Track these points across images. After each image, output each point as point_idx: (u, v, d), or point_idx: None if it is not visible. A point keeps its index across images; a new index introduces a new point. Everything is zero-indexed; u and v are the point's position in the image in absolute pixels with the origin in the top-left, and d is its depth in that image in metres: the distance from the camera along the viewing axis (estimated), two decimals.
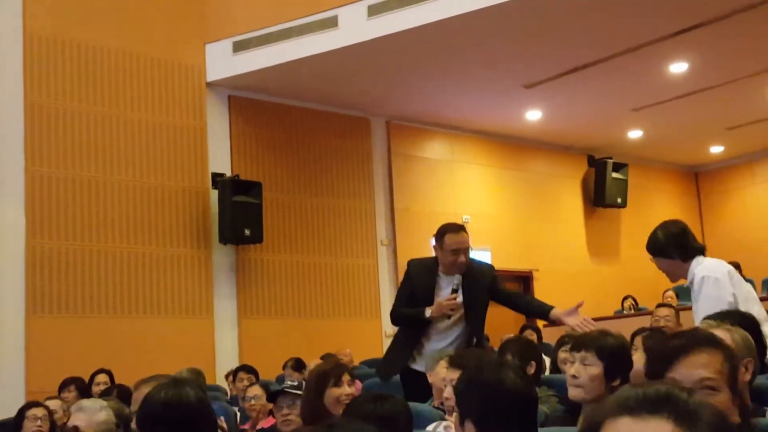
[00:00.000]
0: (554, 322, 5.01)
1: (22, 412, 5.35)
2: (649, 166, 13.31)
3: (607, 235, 12.71)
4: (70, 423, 3.42)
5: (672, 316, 6.22)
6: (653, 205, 13.30)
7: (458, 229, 4.90)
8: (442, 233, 4.87)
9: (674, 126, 11.62)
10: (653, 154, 13.04)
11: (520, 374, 2.49)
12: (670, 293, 9.75)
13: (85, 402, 3.59)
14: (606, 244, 12.68)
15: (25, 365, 7.68)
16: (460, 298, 4.85)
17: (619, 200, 12.48)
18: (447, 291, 4.89)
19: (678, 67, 9.43)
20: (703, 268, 4.13)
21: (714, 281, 4.06)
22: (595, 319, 9.70)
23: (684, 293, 10.09)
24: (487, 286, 4.98)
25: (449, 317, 4.82)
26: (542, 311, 5.01)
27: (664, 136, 12.07)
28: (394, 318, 5.14)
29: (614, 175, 12.40)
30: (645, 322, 6.45)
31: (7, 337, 7.62)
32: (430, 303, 4.87)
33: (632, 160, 12.65)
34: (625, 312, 10.39)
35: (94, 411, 3.43)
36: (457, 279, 4.85)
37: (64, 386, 6.72)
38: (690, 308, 4.34)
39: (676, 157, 13.49)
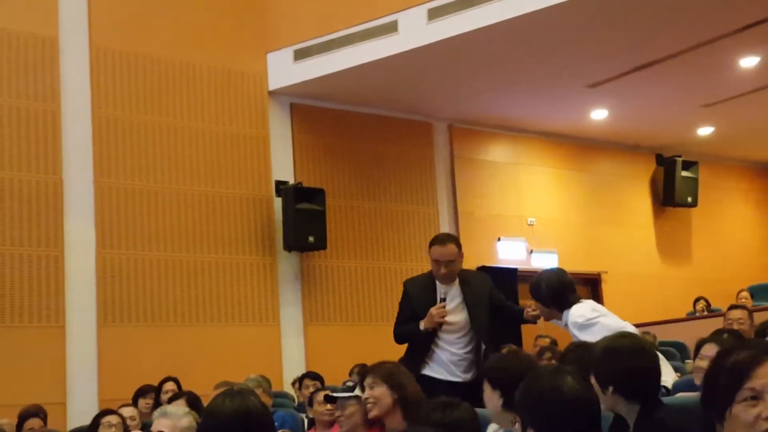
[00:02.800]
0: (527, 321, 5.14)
1: (97, 420, 5.44)
2: (721, 164, 12.97)
3: (677, 236, 12.42)
4: (154, 429, 3.43)
5: (745, 318, 6.03)
6: (726, 204, 12.97)
7: (444, 240, 5.09)
8: (430, 244, 5.09)
9: (746, 121, 11.30)
10: (725, 151, 12.70)
11: (579, 379, 2.45)
12: (745, 293, 9.48)
13: (169, 408, 3.61)
14: (676, 244, 12.40)
15: (97, 374, 7.81)
16: (451, 306, 4.97)
17: (689, 199, 12.18)
18: (451, 302, 5.02)
19: (749, 62, 9.17)
20: (571, 316, 4.52)
21: (581, 327, 4.46)
22: (667, 322, 9.55)
23: (759, 293, 9.81)
24: (487, 294, 5.12)
25: (441, 326, 4.92)
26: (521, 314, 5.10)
27: (736, 132, 11.75)
28: (397, 338, 5.23)
29: (684, 173, 12.11)
30: (718, 324, 6.27)
31: (80, 347, 7.76)
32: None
33: (703, 158, 12.34)
34: (697, 314, 10.14)
35: (179, 417, 3.43)
36: (445, 289, 4.99)
37: (141, 394, 6.79)
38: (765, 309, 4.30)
39: (749, 154, 13.12)
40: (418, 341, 5.04)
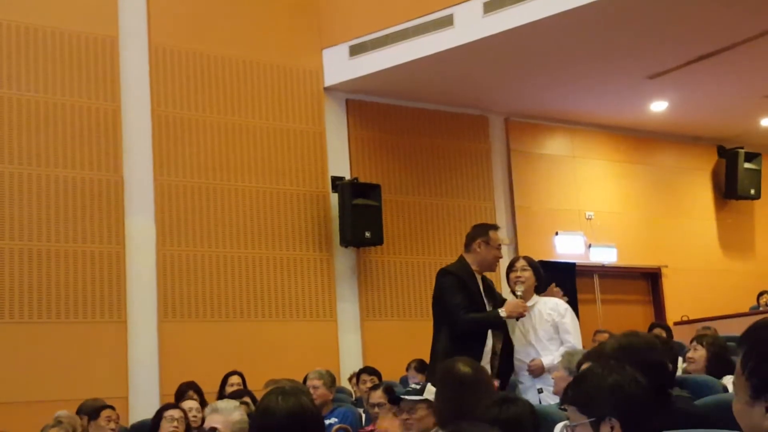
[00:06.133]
0: None
1: (159, 414, 5.50)
2: None
3: (740, 229, 12.17)
4: (207, 425, 3.47)
5: None
6: None
7: (497, 226, 5.37)
8: (485, 229, 5.22)
9: None
10: None
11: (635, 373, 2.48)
12: None
13: (220, 403, 3.65)
14: (739, 237, 12.15)
15: (158, 368, 7.93)
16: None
17: (752, 192, 11.92)
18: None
19: None
20: (558, 302, 5.18)
21: (571, 313, 5.16)
22: (729, 317, 9.36)
23: None
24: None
25: (518, 318, 5.03)
26: None
27: None
28: (467, 323, 5.01)
29: (747, 165, 11.86)
30: None
31: (141, 342, 7.88)
32: (482, 307, 5.07)
33: (766, 149, 12.06)
34: (761, 308, 9.92)
35: (229, 411, 3.47)
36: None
37: (182, 393, 6.74)
38: None
39: None
40: (481, 333, 5.03)
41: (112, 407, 6.29)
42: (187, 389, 6.76)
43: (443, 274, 5.21)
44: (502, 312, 4.95)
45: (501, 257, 5.28)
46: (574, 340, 5.03)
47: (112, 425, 6.14)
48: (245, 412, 3.59)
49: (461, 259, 5.25)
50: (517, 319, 5.04)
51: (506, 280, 5.33)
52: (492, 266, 5.28)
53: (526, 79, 9.28)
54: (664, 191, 11.58)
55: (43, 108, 7.80)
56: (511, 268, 5.25)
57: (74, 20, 8.03)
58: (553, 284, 5.37)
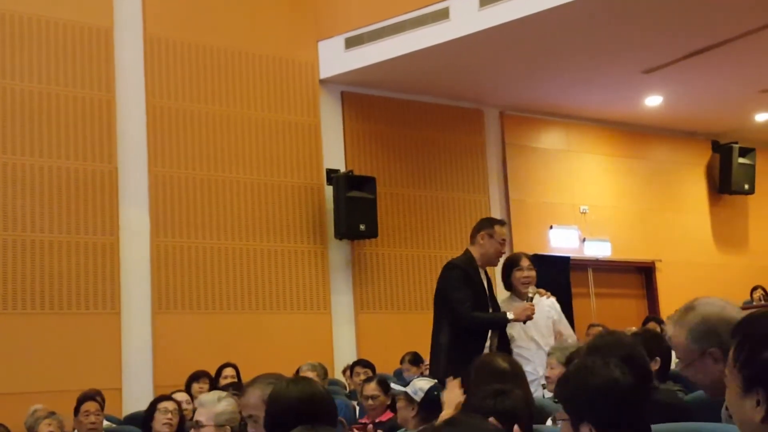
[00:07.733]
0: None
1: (153, 405, 5.47)
2: None
3: (733, 224, 12.20)
4: (195, 418, 3.49)
5: None
6: None
7: (503, 222, 5.38)
8: (490, 223, 5.22)
9: None
10: None
11: (625, 370, 2.40)
12: None
13: (203, 397, 3.67)
14: (733, 232, 12.18)
15: (152, 360, 7.91)
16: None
17: (746, 187, 11.96)
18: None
19: None
20: (554, 300, 5.34)
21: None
22: None
23: None
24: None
25: (525, 322, 5.02)
26: None
27: None
28: (471, 322, 4.98)
29: (741, 160, 11.90)
30: None
31: (135, 333, 7.87)
32: (486, 302, 5.08)
33: (760, 144, 12.10)
34: (754, 303, 9.95)
35: (213, 403, 3.48)
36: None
37: (195, 379, 6.80)
38: None
39: None
40: (484, 331, 5.01)
41: (94, 399, 6.13)
42: (200, 376, 6.74)
43: (450, 267, 5.15)
44: (510, 314, 4.95)
45: (504, 252, 5.25)
46: (573, 337, 5.16)
47: (92, 419, 5.89)
48: (234, 403, 3.59)
49: (467, 252, 5.22)
50: (525, 322, 5.02)
51: (504, 276, 5.29)
52: (493, 260, 5.22)
53: (521, 72, 9.28)
54: (658, 186, 11.61)
55: (37, 98, 7.76)
56: (515, 265, 5.22)
57: (69, 10, 7.99)
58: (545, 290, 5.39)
